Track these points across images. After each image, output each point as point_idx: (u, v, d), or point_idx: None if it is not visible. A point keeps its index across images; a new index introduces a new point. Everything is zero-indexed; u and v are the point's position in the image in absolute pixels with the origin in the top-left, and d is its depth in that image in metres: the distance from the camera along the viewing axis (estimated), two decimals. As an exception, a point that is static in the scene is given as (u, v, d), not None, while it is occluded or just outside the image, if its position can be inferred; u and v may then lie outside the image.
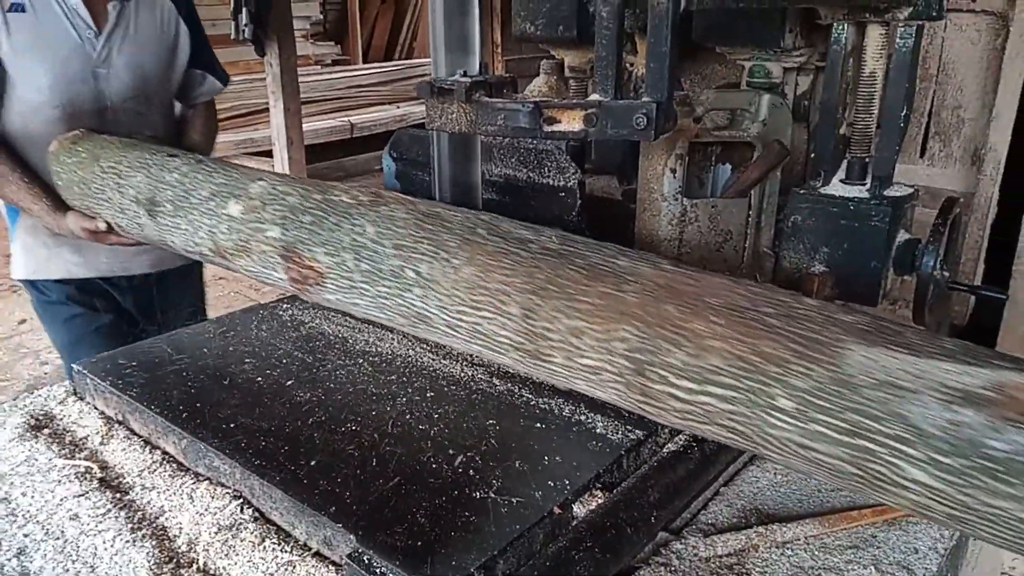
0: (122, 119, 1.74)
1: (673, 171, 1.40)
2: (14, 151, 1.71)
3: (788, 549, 1.01)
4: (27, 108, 1.68)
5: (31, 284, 1.88)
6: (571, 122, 1.16)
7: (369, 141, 6.66)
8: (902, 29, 1.34)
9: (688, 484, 1.03)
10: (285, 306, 1.47)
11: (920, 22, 1.33)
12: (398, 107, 7.12)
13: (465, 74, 1.21)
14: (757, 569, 0.98)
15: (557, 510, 0.89)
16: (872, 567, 0.98)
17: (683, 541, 1.01)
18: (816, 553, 1.01)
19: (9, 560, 0.90)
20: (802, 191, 1.45)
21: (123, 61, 1.73)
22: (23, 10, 1.65)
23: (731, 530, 1.04)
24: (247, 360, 1.24)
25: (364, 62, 8.58)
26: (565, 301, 0.87)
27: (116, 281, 1.87)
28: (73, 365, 1.26)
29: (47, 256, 1.82)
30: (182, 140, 1.95)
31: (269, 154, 5.64)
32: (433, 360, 1.25)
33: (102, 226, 1.54)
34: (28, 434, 1.13)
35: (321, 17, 8.47)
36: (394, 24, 9.17)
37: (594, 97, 1.17)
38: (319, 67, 7.51)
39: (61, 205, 1.64)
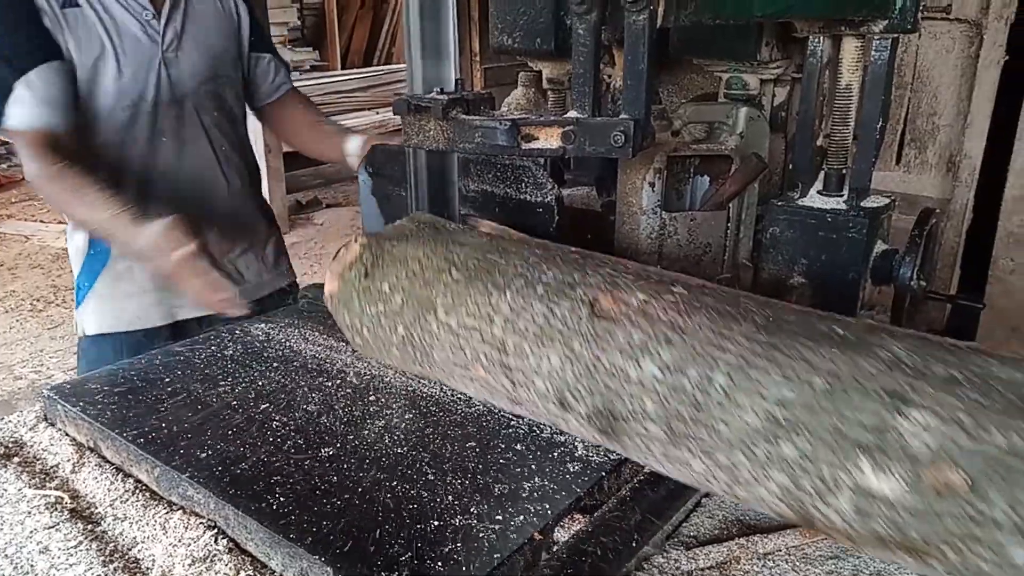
0: (204, 103, 1.62)
1: (652, 185, 1.40)
2: (87, 166, 1.48)
3: (770, 560, 1.01)
4: (94, 117, 1.52)
5: (102, 340, 1.69)
6: (549, 139, 1.15)
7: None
8: (877, 42, 1.34)
9: (670, 504, 1.02)
10: (259, 324, 1.45)
11: (895, 35, 1.33)
12: (377, 112, 7.10)
13: (442, 91, 1.20)
14: (740, 582, 0.97)
15: (537, 536, 0.88)
16: (852, 577, 0.97)
17: (665, 555, 1.01)
18: (797, 564, 1.00)
19: (-24, 597, 0.88)
20: (780, 203, 1.45)
21: (191, 42, 1.59)
22: (77, 4, 1.48)
23: (713, 542, 1.04)
24: (221, 383, 1.22)
25: (343, 68, 8.54)
26: None
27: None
28: (44, 390, 1.23)
29: (144, 303, 1.67)
30: (317, 138, 1.81)
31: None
32: (411, 380, 1.23)
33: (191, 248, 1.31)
34: (-3, 463, 1.10)
35: (299, 23, 8.44)
36: (373, 29, 9.14)
37: (572, 114, 1.16)
38: (298, 73, 7.47)
39: (141, 218, 1.39)
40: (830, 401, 0.69)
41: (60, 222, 5.98)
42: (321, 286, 1.30)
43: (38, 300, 4.57)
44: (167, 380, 1.24)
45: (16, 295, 4.64)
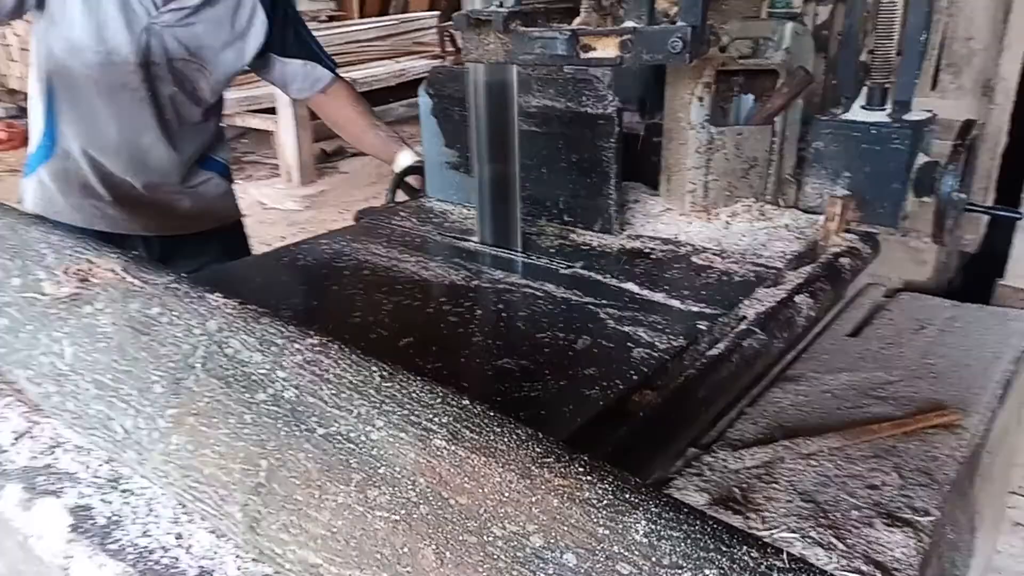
0: (165, 76, 1.74)
1: (700, 99, 1.44)
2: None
3: (813, 460, 1.06)
4: (68, 46, 1.69)
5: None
6: (607, 49, 1.19)
7: (370, 97, 6.60)
8: (923, -46, 1.37)
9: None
10: (324, 241, 1.52)
11: (940, -54, 1.35)
12: (397, 62, 7.06)
13: (501, 4, 1.24)
14: (784, 478, 1.02)
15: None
16: (895, 473, 1.02)
17: (713, 455, 1.06)
18: (840, 463, 1.05)
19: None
20: (824, 118, 1.49)
21: (182, 29, 1.72)
22: None
23: (757, 444, 1.09)
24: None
25: (360, 17, 8.48)
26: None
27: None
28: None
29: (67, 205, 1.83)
30: (365, 138, 2.01)
31: (271, 111, 5.64)
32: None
33: None
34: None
35: (316, -29, 8.35)
36: (389, -23, 9.04)
37: (628, 24, 1.20)
38: (315, 23, 7.43)
39: None
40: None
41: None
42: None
43: None
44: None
45: None
